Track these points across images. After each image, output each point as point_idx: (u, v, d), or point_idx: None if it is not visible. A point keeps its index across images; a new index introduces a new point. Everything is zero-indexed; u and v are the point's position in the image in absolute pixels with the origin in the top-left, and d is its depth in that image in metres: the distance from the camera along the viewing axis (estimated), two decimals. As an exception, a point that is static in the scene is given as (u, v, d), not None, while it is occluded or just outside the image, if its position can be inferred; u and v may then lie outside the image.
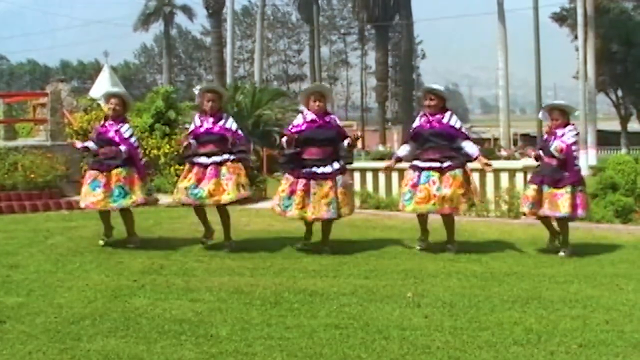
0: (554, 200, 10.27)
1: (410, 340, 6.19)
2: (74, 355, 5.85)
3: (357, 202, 16.49)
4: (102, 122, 11.20)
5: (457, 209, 10.48)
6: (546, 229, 10.80)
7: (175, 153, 19.59)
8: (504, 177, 14.92)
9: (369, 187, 16.78)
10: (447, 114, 10.55)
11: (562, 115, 10.55)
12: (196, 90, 11.23)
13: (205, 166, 10.43)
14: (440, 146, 10.38)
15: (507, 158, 32.29)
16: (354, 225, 12.61)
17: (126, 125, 10.98)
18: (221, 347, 6.00)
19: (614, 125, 65.09)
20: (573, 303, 7.45)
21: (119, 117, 11.01)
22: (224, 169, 10.38)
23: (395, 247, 10.79)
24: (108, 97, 11.29)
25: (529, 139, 64.42)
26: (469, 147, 10.48)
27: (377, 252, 10.42)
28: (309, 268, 9.22)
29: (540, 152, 10.73)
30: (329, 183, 10.19)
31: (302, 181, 10.21)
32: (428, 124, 10.48)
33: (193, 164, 10.55)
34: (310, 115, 10.41)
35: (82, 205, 11.07)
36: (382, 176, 16.70)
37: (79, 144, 11.46)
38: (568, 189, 10.26)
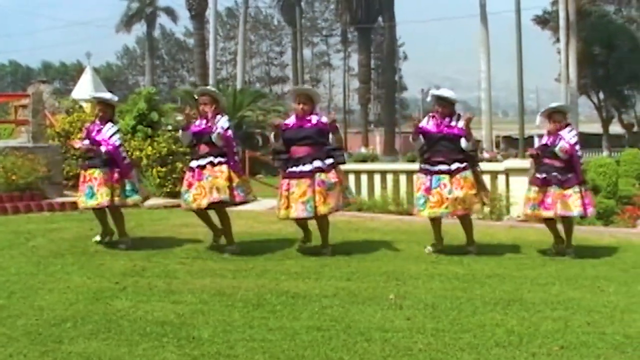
0: (565, 200, 10.31)
1: (392, 342, 6.20)
2: (55, 357, 5.83)
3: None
4: (93, 121, 11.24)
5: (469, 210, 10.60)
6: (550, 232, 10.81)
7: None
8: (486, 179, 14.94)
9: (351, 189, 16.78)
10: (455, 117, 10.65)
11: (563, 117, 10.65)
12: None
13: (193, 169, 10.45)
14: (449, 150, 10.46)
15: (490, 160, 32.37)
16: (336, 228, 12.59)
17: (109, 125, 10.98)
18: (203, 349, 5.99)
19: (596, 128, 65.35)
20: (554, 305, 7.48)
21: (106, 119, 11.03)
22: (206, 172, 10.35)
23: (378, 250, 10.80)
24: (96, 102, 11.33)
25: (511, 141, 64.69)
26: (463, 143, 10.51)
27: (359, 254, 10.43)
28: (291, 270, 9.23)
29: (536, 152, 10.81)
30: (307, 181, 10.17)
31: (285, 182, 10.31)
32: (437, 128, 10.53)
33: (189, 168, 10.62)
34: (292, 117, 10.48)
35: None
36: (364, 178, 16.74)
37: (77, 144, 11.45)
38: (576, 188, 10.35)
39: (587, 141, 58.93)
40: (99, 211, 11.04)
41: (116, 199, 10.77)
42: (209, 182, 10.28)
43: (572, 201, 10.33)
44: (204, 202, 10.33)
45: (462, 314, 7.13)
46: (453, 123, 10.55)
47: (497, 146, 58.78)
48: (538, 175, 10.65)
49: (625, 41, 54.59)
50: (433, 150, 10.54)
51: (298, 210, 10.20)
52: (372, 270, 9.29)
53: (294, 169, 10.26)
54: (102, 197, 10.65)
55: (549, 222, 10.77)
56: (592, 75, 55.91)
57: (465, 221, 10.82)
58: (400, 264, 9.70)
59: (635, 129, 61.58)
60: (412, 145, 11.35)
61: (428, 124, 10.69)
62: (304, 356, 5.85)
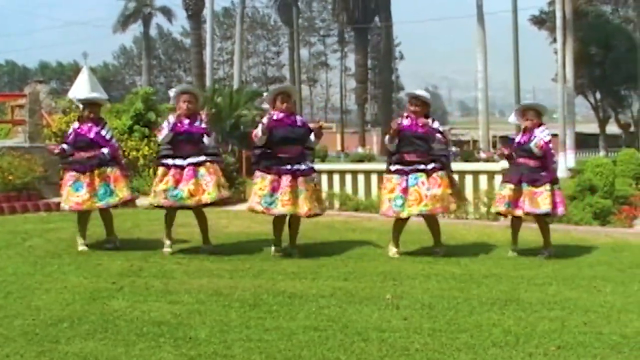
0: (534, 198, 10.33)
1: (389, 342, 6.19)
2: (52, 357, 5.82)
3: (337, 204, 16.54)
4: (78, 125, 11.12)
5: (448, 208, 10.54)
6: (512, 231, 10.82)
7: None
8: (483, 179, 14.96)
9: (348, 189, 16.79)
10: (430, 119, 10.57)
11: (537, 115, 10.63)
12: (172, 92, 11.19)
13: (182, 167, 10.40)
14: (423, 150, 10.40)
15: (487, 160, 32.38)
16: (333, 228, 12.62)
17: (106, 127, 11.03)
18: (200, 349, 5.98)
19: (593, 128, 65.50)
20: (551, 305, 7.47)
21: (97, 119, 11.04)
22: (202, 170, 10.33)
23: (374, 250, 10.80)
24: (85, 104, 11.28)
25: (507, 141, 64.69)
26: (437, 146, 10.50)
27: (356, 254, 10.43)
28: (288, 270, 9.22)
29: (508, 152, 10.87)
30: (309, 180, 10.27)
31: (287, 177, 10.16)
32: (414, 127, 10.48)
33: (169, 167, 10.51)
34: (279, 115, 10.41)
35: (66, 207, 10.94)
36: (361, 178, 16.73)
37: (56, 149, 11.39)
38: (547, 187, 10.32)
39: (584, 141, 59.14)
40: (85, 214, 11.00)
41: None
42: (212, 179, 10.31)
43: (542, 199, 10.33)
44: (206, 199, 10.32)
45: (459, 314, 7.12)
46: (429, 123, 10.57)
47: (494, 146, 58.85)
48: (514, 174, 10.64)
49: (622, 41, 54.74)
50: (408, 149, 10.42)
51: (314, 208, 10.33)
52: (369, 270, 9.29)
53: (298, 167, 10.25)
54: (123, 192, 10.80)
55: (516, 221, 10.79)
56: (589, 76, 56.02)
57: (434, 222, 10.74)
58: (397, 264, 9.70)
59: (632, 129, 61.67)
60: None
61: (402, 122, 10.57)
62: (301, 356, 5.84)
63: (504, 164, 15.10)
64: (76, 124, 11.17)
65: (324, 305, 7.41)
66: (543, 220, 10.61)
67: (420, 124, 10.47)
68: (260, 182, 10.30)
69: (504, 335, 6.39)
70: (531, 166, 10.44)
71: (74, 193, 10.74)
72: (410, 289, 8.17)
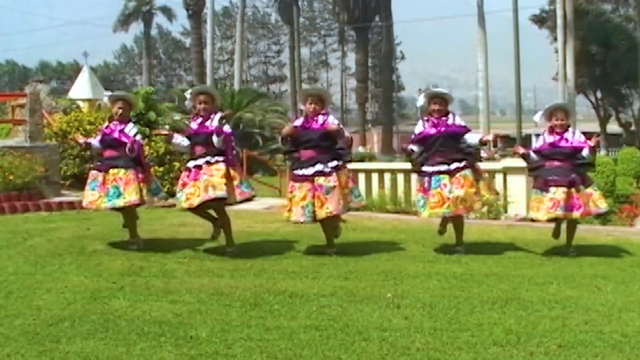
0: (592, 198, 10.26)
1: (390, 341, 6.19)
2: (53, 357, 5.82)
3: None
4: (106, 124, 11.04)
5: (471, 208, 10.58)
6: (555, 231, 10.70)
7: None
8: (484, 179, 14.93)
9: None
10: (451, 115, 10.57)
11: (567, 116, 10.56)
12: (188, 94, 11.01)
13: (190, 169, 10.37)
14: (448, 149, 10.41)
15: (488, 159, 32.32)
16: (334, 227, 12.60)
17: (130, 124, 10.97)
18: (201, 348, 5.99)
19: (593, 127, 65.41)
20: (552, 304, 7.47)
21: (124, 119, 10.99)
22: (202, 171, 10.27)
23: (375, 249, 10.77)
24: (113, 100, 11.18)
25: (508, 141, 64.69)
26: (471, 138, 10.50)
27: (356, 253, 10.40)
28: (288, 269, 9.22)
29: (524, 152, 10.74)
30: (308, 185, 10.11)
31: (290, 184, 10.35)
32: (434, 128, 10.47)
33: (185, 168, 10.52)
34: (299, 120, 10.44)
35: (83, 204, 11.05)
36: (361, 177, 16.73)
37: (81, 139, 11.42)
38: (595, 187, 10.37)
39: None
40: (128, 211, 10.93)
41: (145, 197, 10.79)
42: (204, 181, 10.12)
43: (598, 198, 10.34)
44: (195, 201, 10.14)
45: (460, 313, 7.12)
46: (450, 121, 10.51)
47: (495, 145, 58.85)
48: (561, 177, 10.24)
49: (622, 40, 54.74)
50: (431, 151, 10.44)
51: (297, 214, 10.17)
52: (370, 269, 9.28)
53: (298, 171, 10.24)
54: (131, 195, 10.49)
55: (571, 225, 10.60)
56: (589, 74, 55.99)
57: (459, 222, 10.75)
58: (397, 263, 9.70)
59: (633, 127, 61.64)
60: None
61: (424, 127, 10.59)
62: (302, 355, 5.85)
63: (505, 163, 15.12)
64: (105, 124, 11.09)
65: (324, 305, 7.42)
66: (576, 222, 10.55)
67: (444, 123, 10.50)
68: (298, 192, 10.32)
69: (505, 334, 6.39)
70: (569, 168, 10.31)
71: (89, 191, 10.74)
72: (411, 288, 8.17)
